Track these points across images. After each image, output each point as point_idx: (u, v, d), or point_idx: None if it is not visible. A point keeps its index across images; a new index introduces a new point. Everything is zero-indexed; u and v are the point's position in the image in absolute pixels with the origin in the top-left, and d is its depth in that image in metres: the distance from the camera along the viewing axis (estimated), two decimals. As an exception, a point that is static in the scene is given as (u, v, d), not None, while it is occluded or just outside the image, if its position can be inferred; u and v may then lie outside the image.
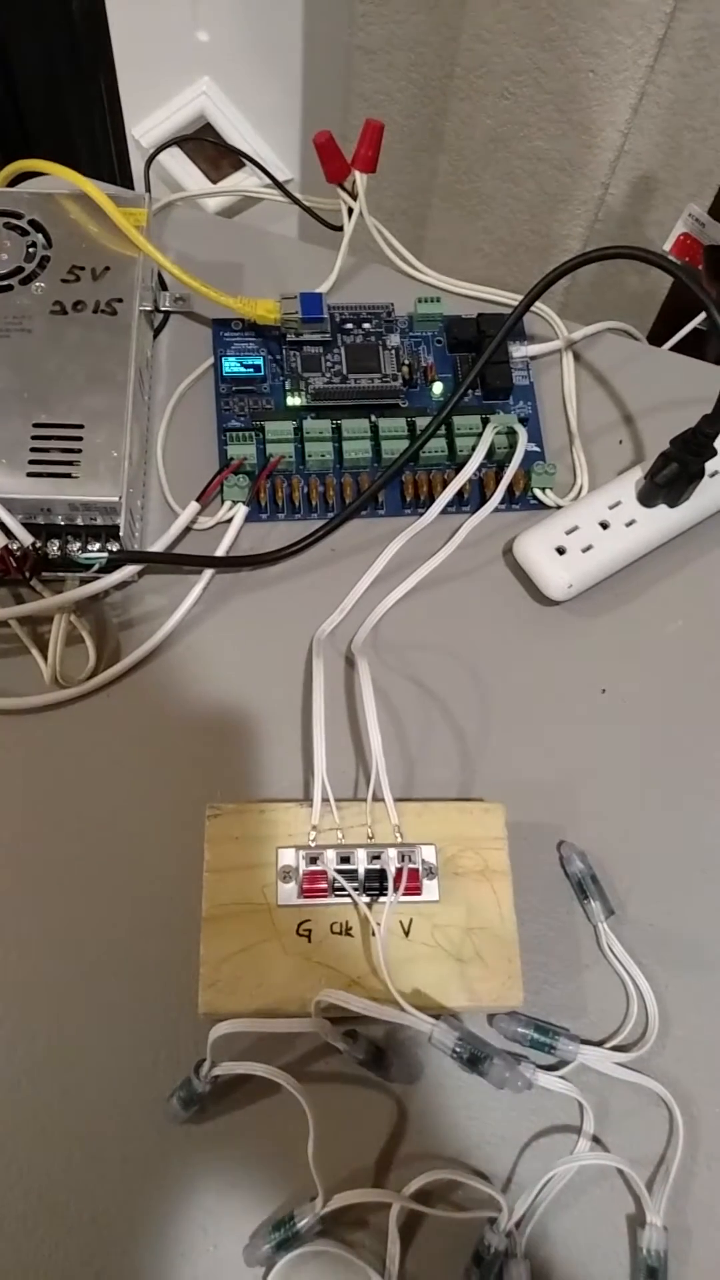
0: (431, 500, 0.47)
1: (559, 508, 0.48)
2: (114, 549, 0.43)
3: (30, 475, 0.42)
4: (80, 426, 0.43)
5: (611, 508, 0.46)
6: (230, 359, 0.49)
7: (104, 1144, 0.36)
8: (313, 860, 0.38)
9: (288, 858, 0.38)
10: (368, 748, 0.41)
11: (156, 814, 0.41)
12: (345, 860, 0.38)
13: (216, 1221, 0.36)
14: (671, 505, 0.46)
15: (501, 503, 0.47)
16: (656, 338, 0.56)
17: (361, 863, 0.38)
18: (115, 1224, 0.35)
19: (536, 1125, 0.37)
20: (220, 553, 0.46)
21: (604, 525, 0.46)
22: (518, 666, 0.45)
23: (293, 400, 0.49)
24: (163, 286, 0.52)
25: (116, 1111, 0.37)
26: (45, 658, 0.43)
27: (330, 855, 0.38)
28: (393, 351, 0.50)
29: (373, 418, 0.48)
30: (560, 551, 0.45)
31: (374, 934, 0.36)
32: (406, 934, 0.37)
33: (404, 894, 0.37)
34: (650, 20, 0.69)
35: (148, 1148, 0.36)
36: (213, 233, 0.55)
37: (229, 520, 0.47)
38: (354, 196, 0.50)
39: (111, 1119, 0.37)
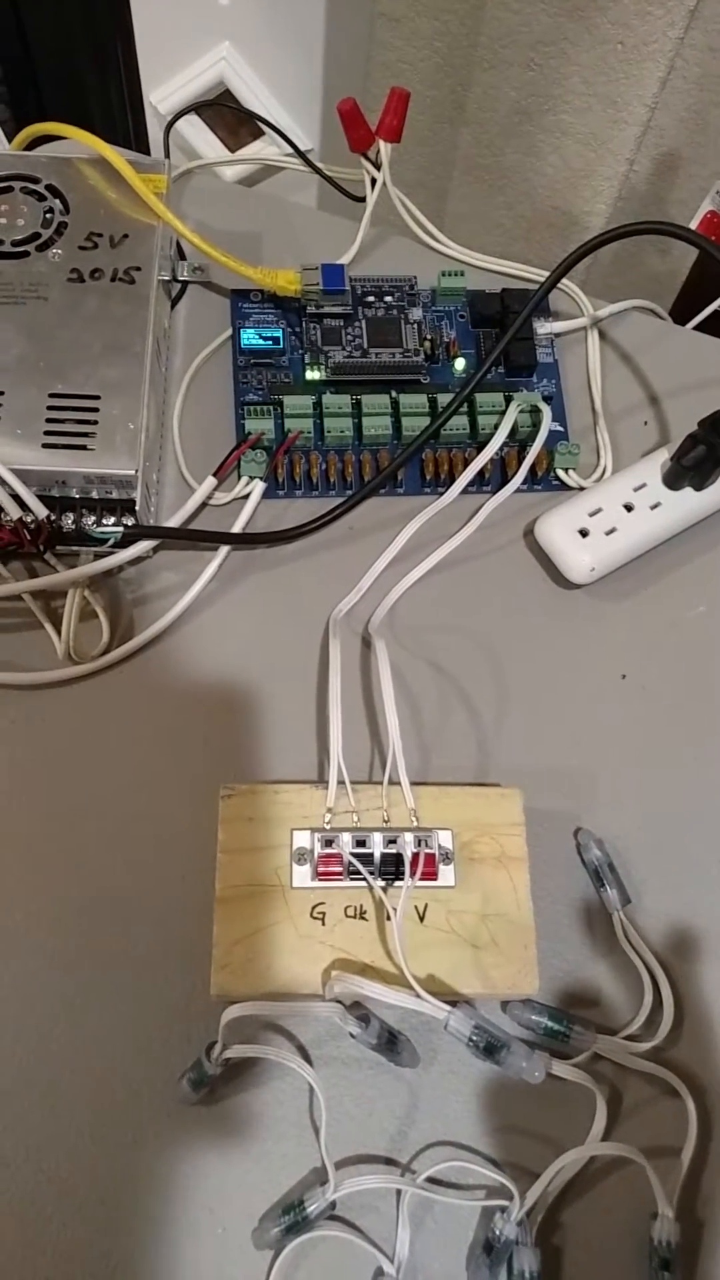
0: (452, 479, 0.46)
1: (582, 489, 0.47)
2: (129, 524, 0.43)
3: (46, 447, 0.41)
4: (97, 398, 0.42)
5: (636, 490, 0.45)
6: (249, 331, 0.48)
7: (113, 1125, 0.36)
8: (328, 843, 0.37)
9: (302, 840, 0.37)
10: (384, 730, 0.40)
11: (169, 793, 0.41)
12: (361, 843, 0.37)
13: (225, 1204, 0.35)
14: (698, 488, 0.45)
15: (523, 483, 0.46)
16: (677, 317, 0.55)
17: (377, 846, 0.37)
18: (123, 1204, 0.35)
19: (549, 1113, 0.37)
20: (236, 529, 0.45)
21: (628, 507, 0.45)
22: (537, 650, 0.44)
23: (312, 374, 0.48)
24: (181, 256, 0.51)
25: (126, 1092, 0.36)
26: (59, 633, 0.42)
27: (346, 838, 0.37)
28: (415, 326, 0.49)
29: (393, 393, 0.48)
30: (583, 534, 0.44)
31: (389, 918, 0.36)
32: (421, 919, 0.36)
33: (420, 879, 0.37)
34: (682, -10, 0.68)
35: (157, 1129, 0.36)
36: (232, 201, 0.54)
37: (245, 496, 0.46)
38: (377, 166, 0.49)
39: (121, 1100, 0.36)
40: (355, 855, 0.37)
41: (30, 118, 0.50)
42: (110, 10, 0.78)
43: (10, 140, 0.51)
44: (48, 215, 0.46)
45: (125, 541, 0.42)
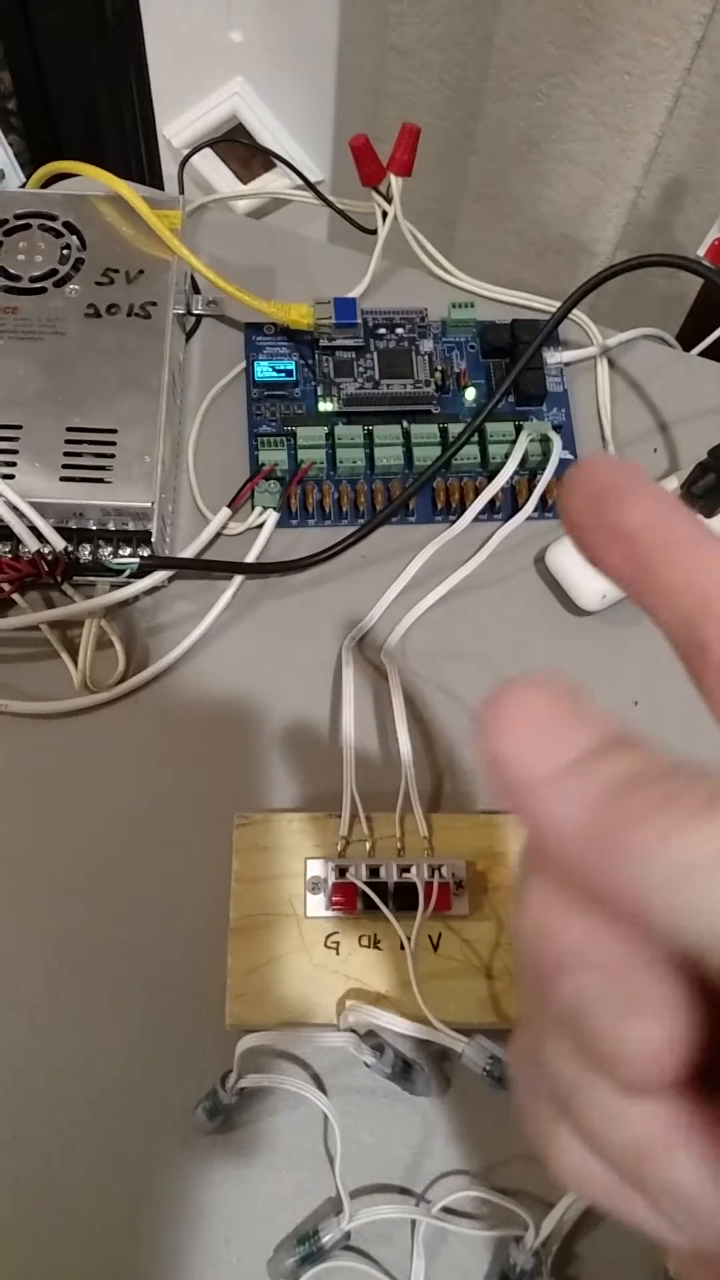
0: (463, 508, 0.47)
1: (592, 517, 0.47)
2: (145, 554, 0.43)
3: (63, 479, 0.42)
4: (113, 431, 0.43)
5: (646, 518, 0.45)
6: (262, 363, 0.49)
7: (128, 1154, 0.36)
8: (341, 872, 0.37)
9: (316, 869, 0.37)
10: (397, 758, 0.41)
11: (184, 821, 0.41)
12: (375, 873, 0.37)
13: (240, 1234, 0.35)
14: (708, 515, 0.45)
15: (534, 511, 0.47)
16: (685, 341, 0.56)
17: (391, 876, 0.37)
18: (139, 1234, 0.35)
19: (564, 1143, 0.37)
20: (250, 559, 0.45)
21: (638, 536, 0.45)
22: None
23: (324, 405, 0.48)
24: (195, 290, 0.51)
25: (141, 1122, 0.37)
26: (75, 662, 0.43)
27: (359, 867, 0.37)
28: (425, 357, 0.49)
29: (405, 424, 0.48)
30: (594, 562, 0.44)
31: (403, 948, 0.36)
32: (436, 949, 0.37)
33: (434, 909, 0.37)
34: (688, 22, 0.68)
35: (172, 1158, 0.36)
36: (244, 235, 0.55)
37: (259, 526, 0.46)
38: (389, 200, 0.50)
39: (136, 1129, 0.36)
40: (369, 885, 0.37)
41: (47, 153, 0.51)
42: (125, 46, 0.79)
43: (28, 178, 0.52)
44: (65, 252, 0.47)
45: (141, 572, 0.43)
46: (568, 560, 0.45)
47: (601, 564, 0.15)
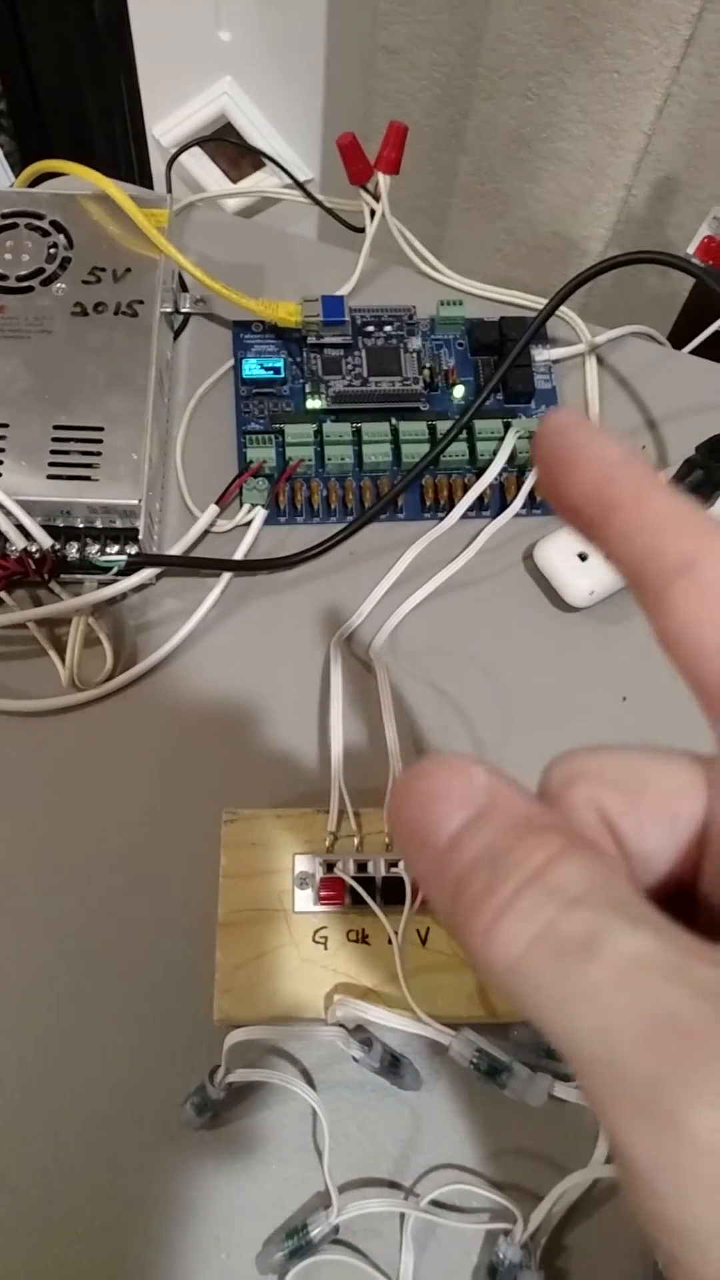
0: (452, 505, 0.47)
1: (580, 513, 0.47)
2: (132, 552, 0.43)
3: (50, 477, 0.42)
4: (100, 429, 0.43)
5: (633, 514, 0.46)
6: (250, 361, 0.49)
7: (117, 1149, 0.36)
8: (329, 867, 0.37)
9: (304, 864, 0.38)
10: (385, 754, 0.41)
11: (172, 818, 0.41)
12: (362, 868, 0.37)
13: (229, 1228, 0.35)
14: (695, 512, 0.45)
15: (522, 507, 0.47)
16: (677, 339, 0.56)
17: (379, 871, 0.37)
18: (128, 1230, 0.35)
19: (552, 1136, 0.37)
20: (238, 556, 0.46)
21: (626, 532, 0.45)
22: (538, 673, 0.45)
23: (313, 403, 0.48)
24: (183, 288, 0.51)
25: (130, 1117, 0.37)
26: (63, 660, 0.43)
27: (348, 863, 0.37)
28: (414, 354, 0.50)
29: (393, 421, 0.48)
30: (582, 558, 0.45)
31: (391, 943, 0.36)
32: (423, 943, 0.37)
33: (421, 903, 0.37)
34: (677, 21, 0.69)
35: (161, 1154, 0.36)
36: (233, 234, 0.55)
37: (248, 523, 0.46)
38: (376, 198, 0.50)
39: (125, 1124, 0.37)
40: (357, 880, 0.37)
41: (36, 152, 0.51)
42: (114, 46, 0.79)
43: (16, 177, 0.52)
44: (52, 250, 0.47)
45: (129, 570, 0.43)
46: (556, 556, 0.45)
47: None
